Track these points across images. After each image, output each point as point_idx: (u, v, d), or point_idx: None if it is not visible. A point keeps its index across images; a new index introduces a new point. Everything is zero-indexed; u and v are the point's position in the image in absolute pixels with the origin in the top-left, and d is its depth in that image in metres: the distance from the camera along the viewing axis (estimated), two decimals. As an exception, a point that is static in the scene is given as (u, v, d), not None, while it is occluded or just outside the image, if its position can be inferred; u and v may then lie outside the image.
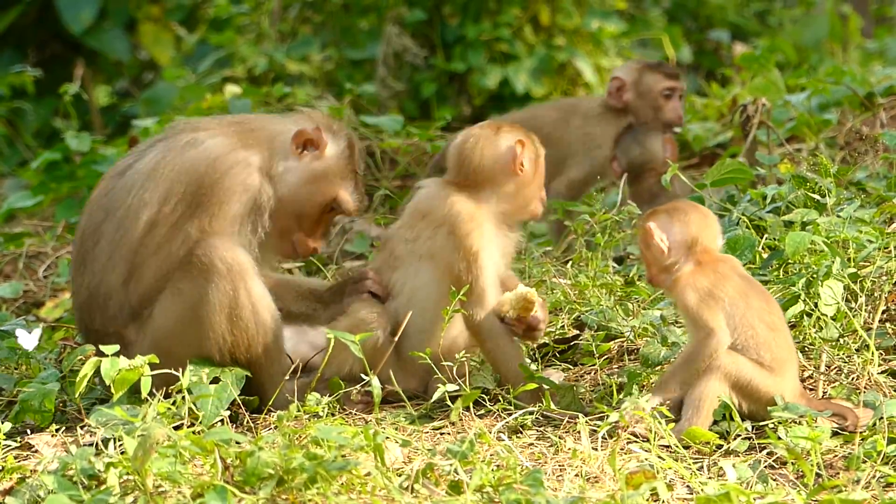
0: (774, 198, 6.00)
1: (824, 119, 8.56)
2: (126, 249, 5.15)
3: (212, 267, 5.05)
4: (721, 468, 4.50)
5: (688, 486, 4.42)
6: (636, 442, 4.65)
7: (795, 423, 4.64)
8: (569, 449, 4.61)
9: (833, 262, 5.32)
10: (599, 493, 4.29)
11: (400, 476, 4.35)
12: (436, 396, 4.85)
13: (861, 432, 4.70)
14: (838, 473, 4.49)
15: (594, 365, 5.46)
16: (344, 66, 12.75)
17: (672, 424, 4.70)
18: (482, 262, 5.10)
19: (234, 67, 12.59)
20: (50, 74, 13.29)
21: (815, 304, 5.29)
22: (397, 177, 8.74)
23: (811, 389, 5.08)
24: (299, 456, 4.19)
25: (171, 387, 4.67)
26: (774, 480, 4.48)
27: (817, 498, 4.27)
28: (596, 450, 4.60)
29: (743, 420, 4.74)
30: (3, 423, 4.84)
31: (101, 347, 4.71)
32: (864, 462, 4.49)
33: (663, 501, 4.29)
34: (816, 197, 5.88)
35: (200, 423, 4.76)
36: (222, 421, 4.85)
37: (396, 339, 5.16)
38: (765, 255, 5.68)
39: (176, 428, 4.48)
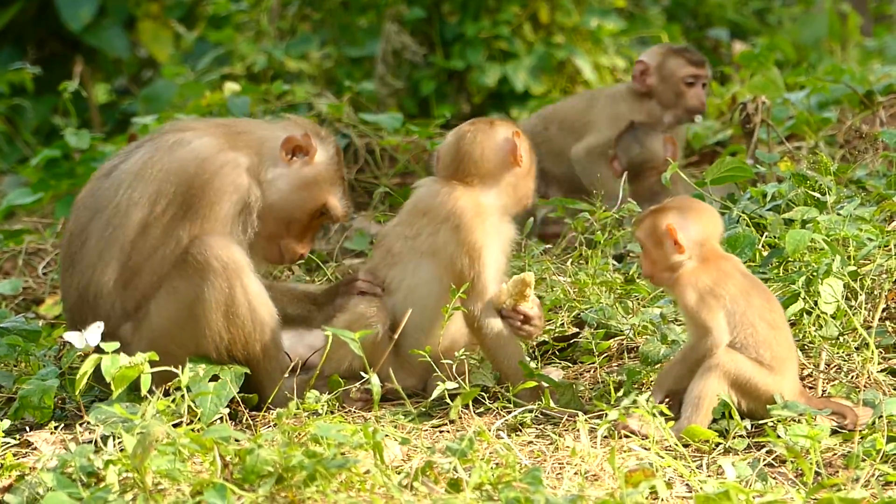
0: (774, 196, 5.99)
1: (824, 117, 8.56)
2: (117, 249, 5.14)
3: (207, 265, 5.05)
4: (720, 466, 4.50)
5: (687, 484, 4.42)
6: (635, 440, 4.65)
7: (795, 421, 4.64)
8: (568, 447, 4.61)
9: (833, 260, 5.31)
10: (599, 492, 4.29)
11: (399, 474, 4.35)
12: (435, 394, 4.85)
13: (860, 431, 4.70)
14: (837, 472, 4.49)
15: (594, 363, 5.46)
16: (343, 64, 12.75)
17: (671, 423, 4.70)
18: (485, 258, 5.10)
19: (233, 65, 12.58)
20: (49, 72, 13.28)
21: (815, 303, 5.29)
22: (396, 174, 8.73)
23: (811, 388, 5.08)
24: (298, 454, 4.19)
25: (170, 384, 4.67)
26: (774, 479, 4.48)
27: (816, 496, 4.27)
28: (595, 448, 4.60)
29: (742, 418, 4.74)
30: (2, 420, 4.84)
31: (101, 345, 4.71)
32: (864, 460, 4.48)
33: (662, 500, 4.29)
34: (816, 195, 5.88)
35: (199, 420, 4.76)
36: (221, 418, 4.85)
37: (396, 336, 5.15)
38: (765, 253, 5.68)
39: (175, 425, 4.48)
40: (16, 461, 4.65)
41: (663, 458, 4.50)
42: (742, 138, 8.27)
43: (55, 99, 12.42)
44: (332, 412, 4.93)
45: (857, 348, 5.23)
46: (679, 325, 5.26)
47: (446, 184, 5.20)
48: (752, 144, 7.55)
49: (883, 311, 5.41)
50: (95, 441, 4.62)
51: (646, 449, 4.57)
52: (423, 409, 5.09)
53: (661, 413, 4.67)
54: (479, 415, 4.99)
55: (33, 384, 5.21)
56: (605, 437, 4.68)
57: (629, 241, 6.51)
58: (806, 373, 5.14)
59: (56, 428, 4.94)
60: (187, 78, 12.29)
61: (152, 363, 4.65)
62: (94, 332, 4.87)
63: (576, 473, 4.47)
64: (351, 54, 12.78)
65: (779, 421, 4.66)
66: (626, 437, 4.69)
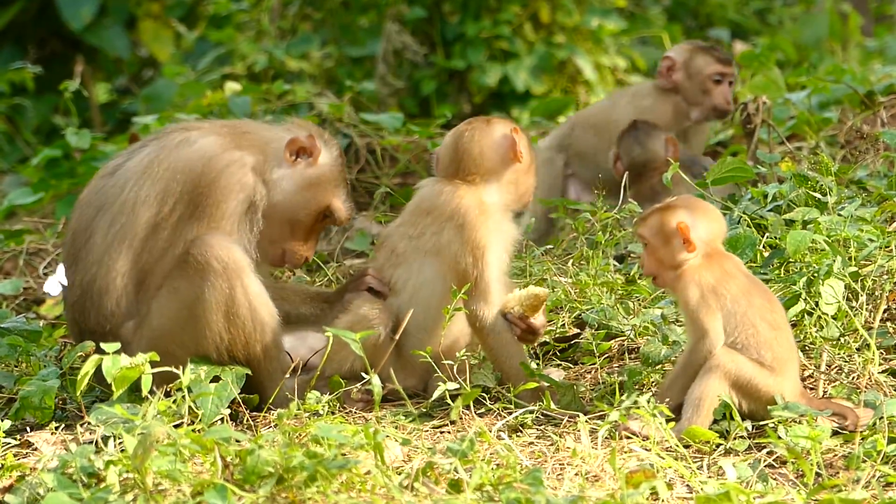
0: (775, 196, 5.99)
1: (825, 117, 8.56)
2: (125, 246, 5.15)
3: (207, 266, 5.05)
4: (721, 467, 4.49)
5: (688, 485, 4.42)
6: (636, 441, 4.65)
7: (795, 422, 4.64)
8: (569, 448, 4.61)
9: (834, 260, 5.31)
10: (599, 492, 4.29)
11: (400, 474, 4.35)
12: (436, 395, 4.85)
13: (861, 432, 4.70)
14: (838, 473, 4.49)
15: (594, 364, 5.46)
16: (344, 64, 12.76)
17: (672, 423, 4.70)
18: (489, 256, 5.10)
19: (233, 64, 12.60)
20: (50, 71, 13.29)
21: (816, 303, 5.29)
22: (397, 174, 8.74)
23: (811, 388, 5.08)
24: (299, 454, 4.19)
25: (171, 385, 4.66)
26: (774, 480, 4.48)
27: (817, 497, 4.27)
28: (596, 449, 4.60)
29: (743, 419, 4.73)
30: (2, 420, 4.84)
31: (102, 345, 4.71)
32: (864, 461, 4.48)
33: (663, 500, 4.29)
34: (817, 196, 5.87)
35: (200, 421, 4.76)
36: (222, 419, 4.85)
37: (397, 337, 5.15)
38: (766, 254, 5.68)
39: (176, 426, 4.48)
40: (16, 462, 4.65)
41: (664, 458, 4.50)
42: (743, 138, 8.27)
43: (56, 98, 12.43)
44: (332, 413, 4.93)
45: (858, 349, 5.23)
46: (680, 325, 5.26)
47: (449, 183, 5.20)
48: (752, 145, 7.55)
49: (884, 312, 5.41)
50: (96, 441, 4.62)
51: (647, 450, 4.57)
52: (424, 410, 5.09)
53: (662, 414, 4.67)
54: (480, 415, 4.99)
55: (34, 385, 5.21)
56: (606, 437, 4.68)
57: (630, 242, 6.51)
58: (807, 374, 5.14)
59: (57, 428, 4.94)
60: (188, 77, 12.30)
61: (153, 364, 4.65)
62: (61, 274, 4.91)
63: (576, 474, 4.47)
64: (352, 54, 12.79)
65: (780, 422, 4.66)
66: (627, 437, 4.69)
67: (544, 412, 4.97)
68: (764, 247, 5.72)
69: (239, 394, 5.01)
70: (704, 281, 4.79)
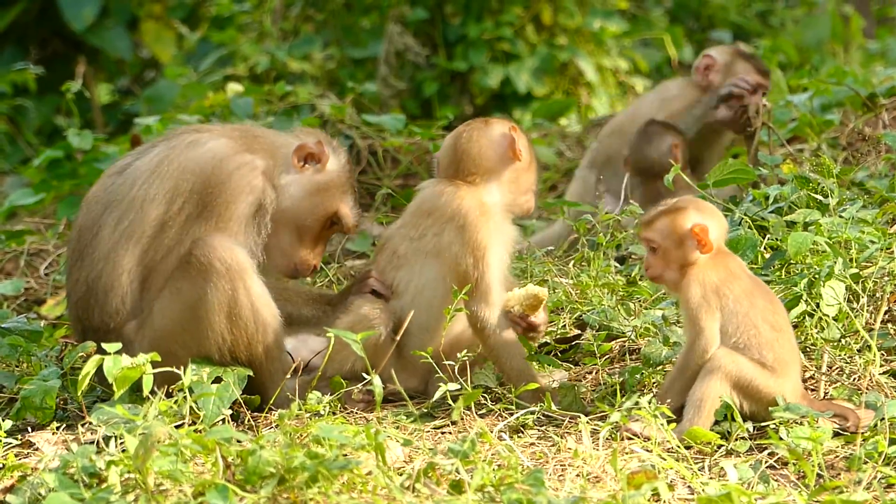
0: (777, 198, 5.99)
1: (826, 119, 8.56)
2: (133, 243, 5.15)
3: (210, 267, 5.06)
4: (722, 468, 4.49)
5: (689, 486, 4.42)
6: (637, 442, 4.65)
7: (797, 423, 4.64)
8: (570, 449, 4.61)
9: (835, 262, 5.31)
10: (601, 493, 4.29)
11: (401, 475, 4.35)
12: (437, 395, 4.85)
13: (862, 433, 4.70)
14: (840, 474, 4.49)
15: (596, 365, 5.46)
16: (346, 65, 12.76)
17: (673, 425, 4.70)
18: (489, 257, 5.10)
19: (235, 66, 12.60)
20: (52, 72, 13.30)
21: (817, 305, 5.28)
22: (399, 176, 8.74)
23: (813, 390, 5.08)
24: (300, 455, 4.19)
25: (172, 386, 4.67)
26: (776, 481, 4.48)
27: (818, 498, 4.27)
28: (597, 450, 4.60)
29: (744, 420, 4.73)
30: (4, 420, 4.84)
31: (103, 345, 4.71)
32: (866, 463, 4.48)
33: (664, 502, 4.29)
34: (819, 197, 5.87)
35: (202, 421, 4.76)
36: (224, 420, 4.85)
37: (398, 337, 5.15)
38: (767, 256, 5.68)
39: (177, 427, 4.48)
40: (18, 462, 4.65)
41: (665, 459, 4.50)
42: (744, 140, 8.26)
43: (58, 99, 12.42)
44: (333, 413, 4.93)
45: (859, 351, 5.23)
46: (681, 326, 5.25)
47: (450, 184, 5.20)
48: (753, 147, 7.54)
49: (885, 313, 5.41)
50: (97, 442, 4.62)
51: (648, 451, 4.57)
52: (425, 411, 5.09)
53: (663, 415, 4.67)
54: (482, 416, 4.99)
55: (35, 385, 5.21)
56: (608, 438, 4.68)
57: (631, 243, 6.51)
58: (808, 375, 5.14)
59: (58, 428, 4.95)
60: (190, 79, 12.30)
61: (154, 364, 4.65)
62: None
63: (578, 475, 4.47)
64: (354, 55, 12.80)
65: (781, 423, 4.66)
66: (629, 439, 4.69)
67: (545, 413, 4.97)
68: (765, 248, 5.72)
69: (240, 394, 5.01)
70: (708, 280, 4.79)
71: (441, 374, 5.00)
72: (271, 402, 5.13)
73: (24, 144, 12.53)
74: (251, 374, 5.11)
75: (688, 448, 4.66)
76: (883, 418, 4.70)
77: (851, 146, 7.71)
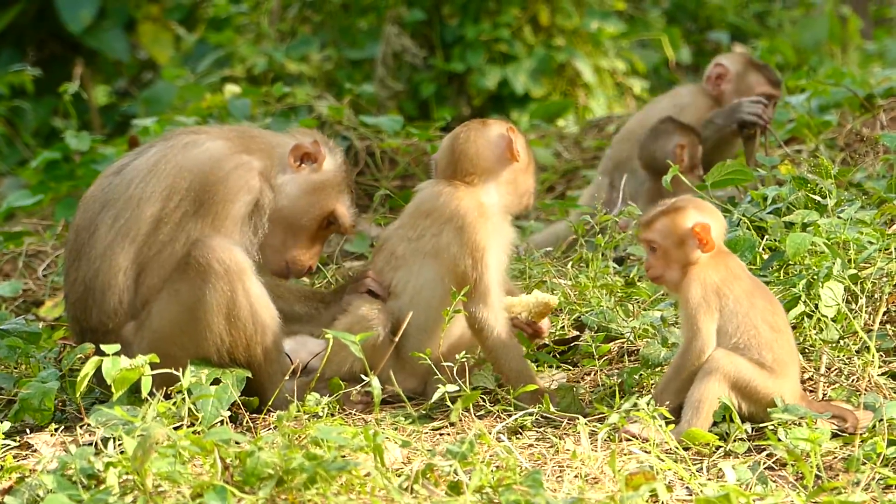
0: (775, 199, 5.99)
1: (824, 120, 8.57)
2: (129, 241, 5.16)
3: (209, 268, 5.06)
4: (721, 469, 4.49)
5: (687, 487, 4.42)
6: (636, 443, 4.65)
7: (795, 424, 4.64)
8: (568, 450, 4.61)
9: (834, 263, 5.31)
10: (599, 495, 4.29)
11: (399, 476, 4.35)
12: (436, 397, 4.85)
13: (861, 434, 4.70)
14: (838, 475, 4.49)
15: (594, 366, 5.46)
16: (343, 66, 12.76)
17: (672, 426, 4.70)
18: (488, 258, 5.10)
19: (233, 67, 12.60)
20: (49, 74, 13.29)
21: (816, 306, 5.28)
22: (397, 177, 8.74)
23: (811, 391, 5.08)
24: (299, 456, 4.19)
25: (171, 387, 4.67)
26: (774, 482, 4.48)
27: (817, 500, 4.27)
28: (596, 451, 4.60)
29: (743, 421, 4.74)
30: (2, 422, 4.83)
31: (102, 347, 4.71)
32: (864, 464, 4.48)
33: (663, 503, 4.29)
34: (817, 198, 5.87)
35: (200, 423, 4.76)
36: (222, 421, 4.84)
37: (397, 339, 5.15)
38: (765, 257, 5.68)
39: (176, 428, 4.48)
40: (16, 463, 4.65)
41: (664, 461, 4.50)
42: (742, 142, 8.25)
43: (55, 101, 12.43)
44: (332, 415, 4.93)
45: (857, 352, 5.23)
46: (679, 327, 5.25)
47: (448, 184, 5.20)
48: (753, 149, 7.54)
49: (884, 314, 5.41)
50: (96, 443, 4.62)
51: (646, 452, 4.57)
52: (424, 412, 5.09)
53: (662, 416, 4.67)
54: (480, 418, 4.99)
55: (33, 386, 5.21)
56: (606, 440, 4.68)
57: (630, 244, 6.51)
58: (806, 376, 5.14)
59: (56, 430, 4.94)
60: (187, 80, 12.30)
61: (153, 365, 4.65)
62: None
63: (576, 476, 4.47)
64: (351, 56, 12.80)
65: (779, 424, 4.66)
66: (627, 440, 4.69)
67: (544, 414, 4.97)
68: (763, 249, 5.72)
69: (239, 396, 5.01)
70: (709, 280, 4.79)
71: (440, 376, 5.00)
72: (270, 403, 5.13)
73: (21, 146, 12.53)
74: (250, 375, 5.11)
75: (686, 449, 4.66)
76: (881, 419, 4.70)
77: (849, 147, 7.71)
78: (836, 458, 4.61)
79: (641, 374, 5.14)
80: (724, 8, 15.77)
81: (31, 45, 14.58)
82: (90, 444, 4.64)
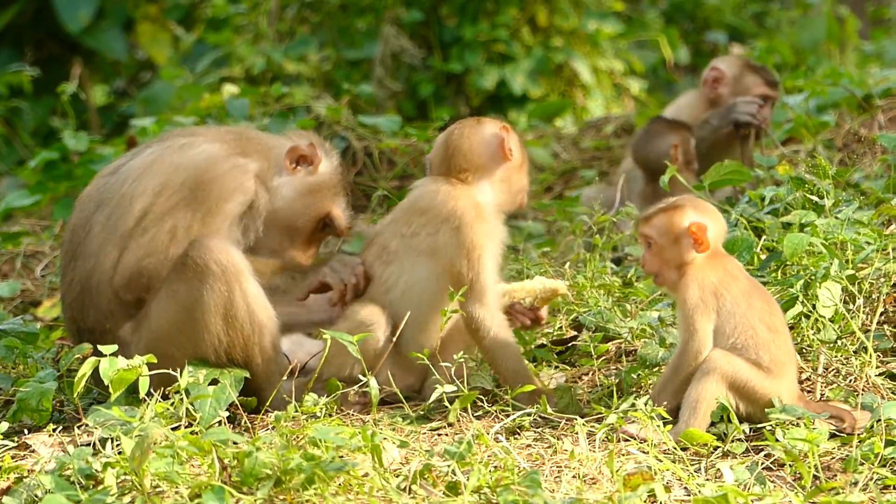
0: (773, 199, 5.99)
1: (822, 121, 8.57)
2: (118, 237, 5.16)
3: (206, 268, 5.06)
4: (718, 470, 4.50)
5: (685, 487, 4.42)
6: (634, 443, 4.65)
7: (793, 424, 4.64)
8: (566, 450, 4.61)
9: (831, 263, 5.32)
10: (597, 495, 4.29)
11: (397, 477, 4.35)
12: (434, 397, 4.85)
13: (859, 434, 4.70)
14: (836, 475, 4.49)
15: (592, 366, 5.46)
16: (341, 67, 12.75)
17: (670, 426, 4.70)
18: (484, 258, 5.10)
19: (231, 67, 12.59)
20: (47, 74, 13.29)
21: (814, 306, 5.29)
22: (395, 177, 8.74)
23: (809, 391, 5.08)
24: (297, 456, 4.19)
25: (169, 388, 4.67)
26: (772, 482, 4.48)
27: (815, 500, 4.27)
28: (594, 451, 4.60)
29: (740, 422, 4.74)
30: (0, 422, 4.83)
31: (100, 347, 4.71)
32: (862, 464, 4.48)
33: (661, 503, 4.29)
34: (815, 199, 5.87)
35: (198, 423, 4.76)
36: (220, 421, 4.84)
37: (395, 339, 5.15)
38: (763, 257, 5.68)
39: (174, 428, 4.48)
40: (14, 463, 4.65)
41: (661, 461, 4.50)
42: (739, 142, 8.26)
43: (53, 101, 12.44)
44: (330, 415, 4.93)
45: (855, 352, 5.23)
46: (677, 327, 5.25)
47: (445, 182, 5.20)
48: (748, 149, 7.55)
49: (881, 314, 5.41)
50: (94, 443, 4.62)
51: (644, 452, 4.57)
52: (422, 413, 5.09)
53: (660, 416, 4.67)
54: (478, 418, 4.99)
55: (31, 386, 5.21)
56: (604, 440, 4.68)
57: (628, 244, 6.51)
58: (804, 376, 5.15)
59: (54, 430, 4.94)
60: (186, 80, 12.30)
61: (151, 366, 4.65)
62: None
63: (574, 477, 4.47)
64: (349, 57, 12.79)
65: (777, 424, 4.66)
66: (625, 440, 4.69)
67: (542, 415, 4.97)
68: (761, 249, 5.72)
69: (237, 396, 5.01)
70: (707, 281, 4.79)
71: (437, 376, 5.00)
72: (267, 403, 5.13)
73: (19, 146, 12.52)
74: (248, 375, 5.11)
75: (684, 449, 4.66)
76: (879, 420, 4.70)
77: (847, 147, 7.71)
78: (833, 458, 4.61)
79: (639, 374, 5.14)
80: (721, 8, 15.77)
81: (30, 45, 14.57)
82: (88, 445, 4.64)
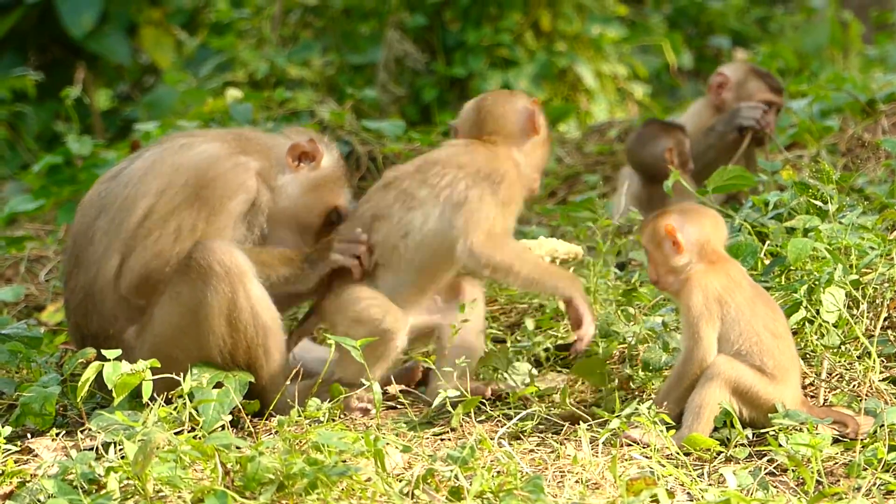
0: (776, 204, 5.99)
1: (826, 126, 8.55)
2: (120, 241, 5.16)
3: (210, 270, 5.06)
4: (721, 475, 4.50)
5: (688, 492, 4.42)
6: (637, 448, 4.65)
7: (796, 430, 4.64)
8: (569, 455, 4.61)
9: (835, 268, 5.31)
10: (600, 500, 4.29)
11: (400, 482, 4.35)
12: (437, 402, 4.85)
13: (862, 440, 4.70)
14: (839, 481, 4.49)
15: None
16: (345, 71, 12.75)
17: (673, 431, 4.70)
18: (515, 213, 5.24)
19: (235, 72, 12.59)
20: (51, 78, 13.29)
21: (817, 311, 5.28)
22: (398, 181, 8.71)
23: (812, 396, 5.07)
24: (300, 461, 4.19)
25: (173, 392, 4.67)
26: (775, 487, 4.48)
27: (818, 505, 4.27)
28: (596, 456, 4.60)
29: (744, 427, 4.74)
30: (3, 426, 4.83)
31: (103, 351, 4.71)
32: (865, 469, 4.48)
33: (664, 508, 4.29)
34: (818, 203, 5.87)
35: (201, 428, 4.76)
36: (223, 426, 4.84)
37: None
38: (767, 262, 5.68)
39: (177, 433, 4.48)
40: (17, 468, 4.65)
41: (665, 466, 4.50)
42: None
43: (57, 105, 12.41)
44: (333, 420, 4.93)
45: (858, 357, 5.23)
46: (680, 332, 5.25)
47: (481, 144, 5.31)
48: (739, 152, 7.53)
49: (885, 319, 5.41)
50: (97, 448, 4.62)
51: (647, 457, 4.57)
52: (425, 417, 5.08)
53: (663, 421, 4.67)
54: (481, 422, 4.99)
55: (35, 391, 5.21)
56: (607, 445, 4.68)
57: (631, 249, 6.51)
58: (808, 381, 5.14)
59: (57, 435, 4.94)
60: (189, 85, 12.30)
61: (154, 370, 4.65)
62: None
63: (577, 482, 4.47)
64: (353, 61, 12.79)
65: (780, 430, 4.66)
66: (628, 445, 4.69)
67: (545, 419, 4.96)
68: (765, 255, 5.72)
69: (240, 400, 5.01)
70: (711, 288, 4.81)
71: (441, 380, 5.00)
72: (271, 407, 5.13)
73: (23, 150, 12.52)
74: (252, 379, 5.10)
75: (687, 454, 4.66)
76: (882, 425, 4.70)
77: (851, 152, 7.71)
78: (837, 463, 4.61)
79: (643, 379, 5.14)
80: (725, 13, 15.76)
81: (33, 50, 14.57)
82: (91, 449, 4.64)
